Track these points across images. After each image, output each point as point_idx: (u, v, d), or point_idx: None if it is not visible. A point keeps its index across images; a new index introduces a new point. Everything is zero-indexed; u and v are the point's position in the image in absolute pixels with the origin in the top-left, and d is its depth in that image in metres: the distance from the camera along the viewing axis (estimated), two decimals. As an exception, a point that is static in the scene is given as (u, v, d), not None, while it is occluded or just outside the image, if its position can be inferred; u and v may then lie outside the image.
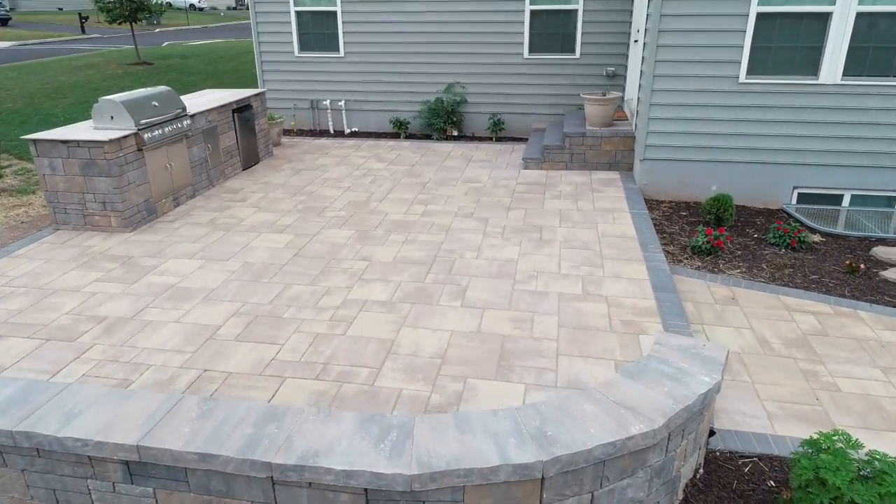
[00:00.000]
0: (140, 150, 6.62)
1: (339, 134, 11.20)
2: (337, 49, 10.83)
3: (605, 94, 8.58)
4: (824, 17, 6.79)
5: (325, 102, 11.17)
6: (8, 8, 39.94)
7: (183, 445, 2.68)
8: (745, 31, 6.98)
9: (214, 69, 20.12)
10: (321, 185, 8.09)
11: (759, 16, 6.89)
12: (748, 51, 7.04)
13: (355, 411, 2.98)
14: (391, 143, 10.49)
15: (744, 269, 6.04)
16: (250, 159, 8.96)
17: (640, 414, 2.87)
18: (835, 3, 6.69)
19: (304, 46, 10.94)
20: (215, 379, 4.05)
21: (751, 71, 7.14)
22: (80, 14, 36.74)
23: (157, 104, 6.90)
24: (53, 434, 2.75)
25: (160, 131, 6.85)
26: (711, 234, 6.29)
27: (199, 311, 4.91)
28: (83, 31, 35.12)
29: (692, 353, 3.36)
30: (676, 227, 7.04)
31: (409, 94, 10.91)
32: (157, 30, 38.04)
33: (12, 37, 31.69)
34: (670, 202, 7.82)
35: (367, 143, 10.50)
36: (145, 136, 6.60)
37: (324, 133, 11.27)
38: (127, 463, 2.76)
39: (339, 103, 11.14)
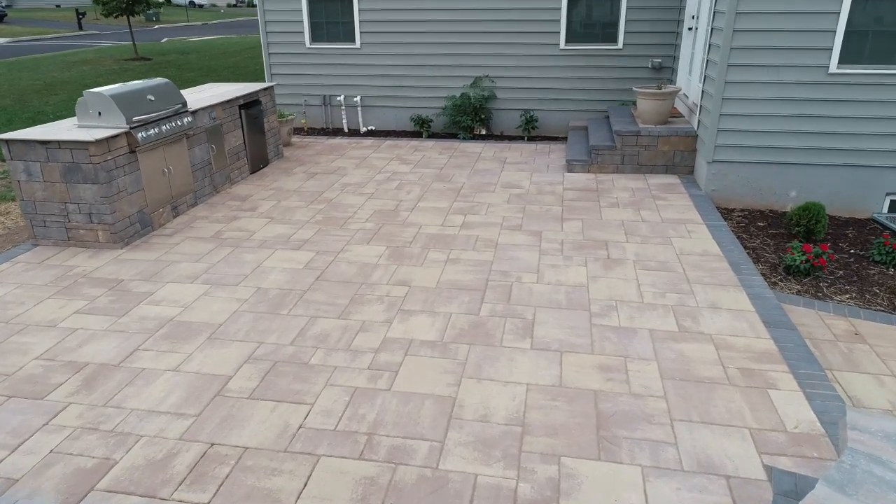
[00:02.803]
0: (133, 151, 5.62)
1: (355, 133, 10.18)
2: (353, 40, 9.81)
3: (660, 88, 7.58)
4: (935, -4, 5.79)
5: (339, 98, 10.16)
6: (4, 4, 38.94)
7: None
8: (838, 13, 5.98)
9: (215, 65, 19.13)
10: (341, 192, 7.08)
11: (857, -6, 5.90)
12: (841, 36, 6.03)
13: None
14: (413, 142, 9.48)
15: (854, 295, 5.04)
16: (259, 161, 7.96)
17: (881, 560, 1.88)
18: (948, -21, 5.70)
19: (316, 37, 9.92)
20: (226, 458, 3.05)
21: (843, 60, 6.13)
22: (77, 10, 35.75)
23: (153, 98, 5.90)
24: None
25: (156, 130, 5.85)
26: (811, 251, 5.29)
27: (204, 356, 3.91)
28: (80, 28, 34.16)
29: (907, 444, 2.37)
30: (757, 241, 6.03)
31: (433, 89, 9.89)
32: (157, 26, 37.06)
33: (7, 33, 30.73)
34: (742, 210, 6.81)
35: (386, 142, 9.49)
36: (139, 135, 5.60)
37: (337, 132, 10.26)
38: None
39: (355, 99, 10.12)
